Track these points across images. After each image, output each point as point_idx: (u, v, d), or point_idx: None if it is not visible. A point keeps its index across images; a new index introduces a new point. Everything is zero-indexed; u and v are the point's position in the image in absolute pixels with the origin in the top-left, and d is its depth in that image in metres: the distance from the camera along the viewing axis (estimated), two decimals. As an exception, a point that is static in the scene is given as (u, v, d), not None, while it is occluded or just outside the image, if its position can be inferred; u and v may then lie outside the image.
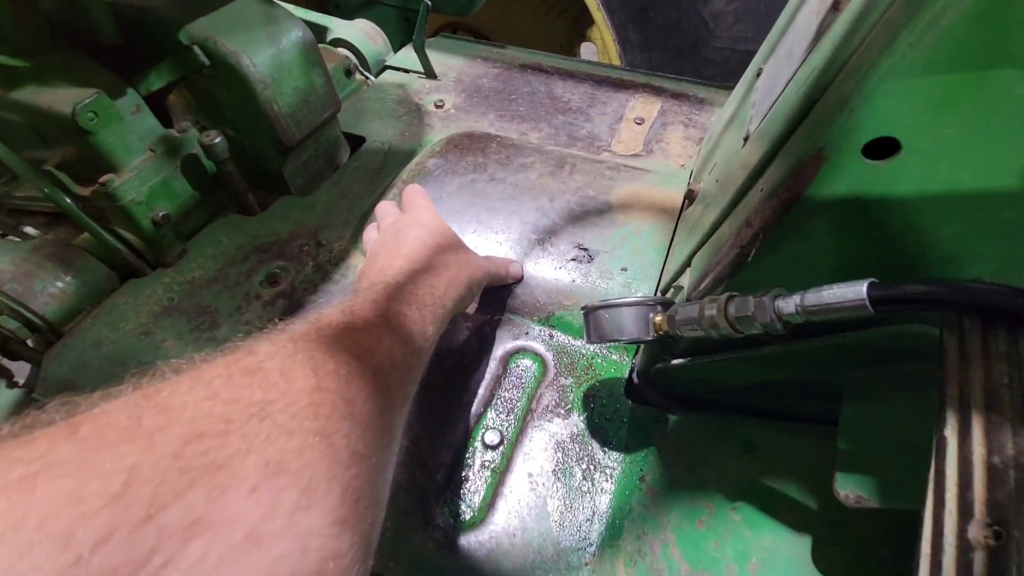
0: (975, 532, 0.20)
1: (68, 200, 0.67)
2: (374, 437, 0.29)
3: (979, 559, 0.20)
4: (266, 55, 0.72)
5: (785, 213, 0.34)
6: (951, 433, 0.24)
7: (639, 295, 0.56)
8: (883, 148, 0.30)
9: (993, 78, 0.25)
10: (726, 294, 0.38)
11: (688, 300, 0.43)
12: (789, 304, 0.34)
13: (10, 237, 0.79)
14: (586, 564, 0.46)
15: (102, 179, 0.68)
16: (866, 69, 0.29)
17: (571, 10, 1.50)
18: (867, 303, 0.29)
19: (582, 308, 0.48)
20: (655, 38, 1.18)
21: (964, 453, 0.23)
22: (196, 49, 0.68)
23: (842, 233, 0.33)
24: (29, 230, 0.83)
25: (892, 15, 0.28)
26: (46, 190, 0.66)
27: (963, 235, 0.31)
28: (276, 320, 0.58)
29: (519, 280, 0.65)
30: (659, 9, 1.14)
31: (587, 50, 1.65)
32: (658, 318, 0.44)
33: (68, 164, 0.69)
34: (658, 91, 1.02)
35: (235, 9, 0.73)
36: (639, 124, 0.95)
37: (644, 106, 0.98)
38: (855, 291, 0.30)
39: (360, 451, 0.27)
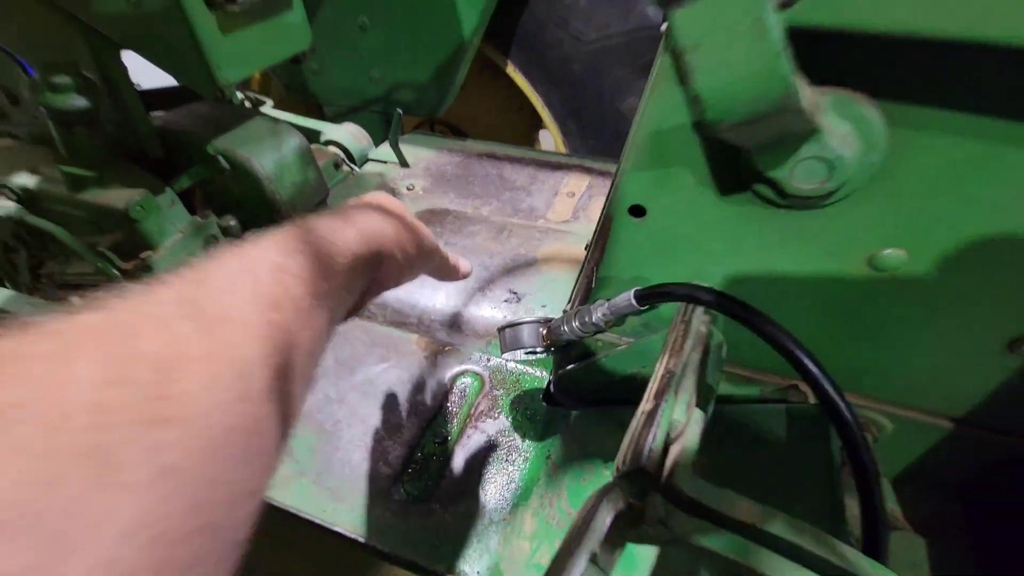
0: (646, 405, 0.38)
1: (115, 271, 0.87)
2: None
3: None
4: (271, 159, 0.95)
5: (600, 256, 0.55)
6: (664, 359, 0.42)
7: (533, 317, 0.72)
8: (639, 210, 0.51)
9: (671, 171, 0.47)
10: (576, 308, 0.58)
11: (562, 316, 0.63)
12: (598, 311, 0.53)
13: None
14: (504, 519, 0.62)
15: (142, 255, 0.89)
16: (622, 167, 0.50)
17: (527, 106, 1.79)
18: (633, 302, 0.49)
19: (497, 328, 0.67)
20: (588, 129, 1.45)
21: (665, 368, 0.41)
22: (220, 158, 0.91)
23: (630, 264, 0.54)
24: (75, 300, 1.03)
25: (631, 140, 0.50)
26: (99, 264, 0.86)
27: (696, 258, 0.51)
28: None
29: (467, 275, 0.61)
30: (587, 107, 1.43)
31: (545, 135, 1.94)
32: (543, 331, 0.63)
33: (115, 246, 0.90)
34: (588, 170, 1.26)
35: (248, 127, 0.97)
36: (571, 197, 1.18)
37: (576, 182, 1.22)
38: (626, 296, 0.49)
39: None
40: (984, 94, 0.35)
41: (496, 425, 0.73)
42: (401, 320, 0.89)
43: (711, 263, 0.50)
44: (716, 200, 0.47)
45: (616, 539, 0.34)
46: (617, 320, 0.53)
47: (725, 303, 0.43)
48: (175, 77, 0.78)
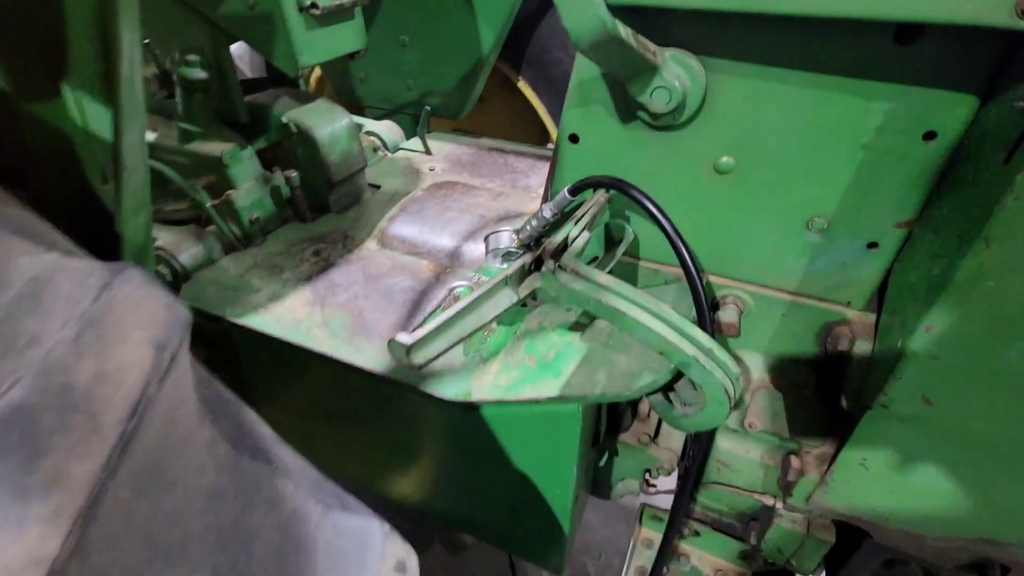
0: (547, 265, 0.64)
1: (208, 204, 1.17)
2: None
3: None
4: (327, 130, 1.25)
5: (552, 175, 0.81)
6: (579, 213, 0.68)
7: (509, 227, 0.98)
8: (575, 138, 0.77)
9: (592, 108, 0.73)
10: (534, 212, 0.84)
11: (526, 221, 0.88)
12: (547, 210, 0.79)
13: (159, 232, 1.28)
14: (476, 366, 0.86)
15: (226, 194, 1.18)
16: (564, 107, 0.77)
17: (537, 120, 2.10)
18: (567, 194, 0.75)
19: (484, 237, 0.93)
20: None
21: (577, 216, 0.67)
22: (291, 124, 1.21)
23: (571, 178, 0.80)
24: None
25: (569, 87, 0.77)
26: (197, 198, 1.16)
27: (613, 170, 0.77)
28: (315, 272, 1.05)
29: None
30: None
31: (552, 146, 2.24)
32: (515, 235, 0.89)
33: (208, 186, 1.20)
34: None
35: (312, 106, 1.28)
36: (560, 180, 1.45)
37: (566, 170, 1.50)
38: (563, 193, 0.75)
39: None
40: (756, 49, 0.61)
41: (480, 316, 0.98)
42: (415, 251, 1.16)
43: (621, 173, 0.76)
44: (620, 127, 0.73)
45: (524, 279, 0.59)
46: (559, 211, 0.78)
47: (617, 184, 0.69)
48: (269, 59, 1.09)
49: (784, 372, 0.84)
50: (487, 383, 0.82)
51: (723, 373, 0.58)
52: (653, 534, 1.12)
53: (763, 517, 0.91)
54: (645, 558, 1.12)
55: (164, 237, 1.16)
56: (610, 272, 0.70)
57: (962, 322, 0.56)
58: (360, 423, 1.02)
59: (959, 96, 0.56)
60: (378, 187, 1.45)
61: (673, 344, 0.56)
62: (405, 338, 0.53)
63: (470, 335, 0.58)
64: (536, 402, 0.73)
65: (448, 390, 0.82)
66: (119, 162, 0.62)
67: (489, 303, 0.58)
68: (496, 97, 2.20)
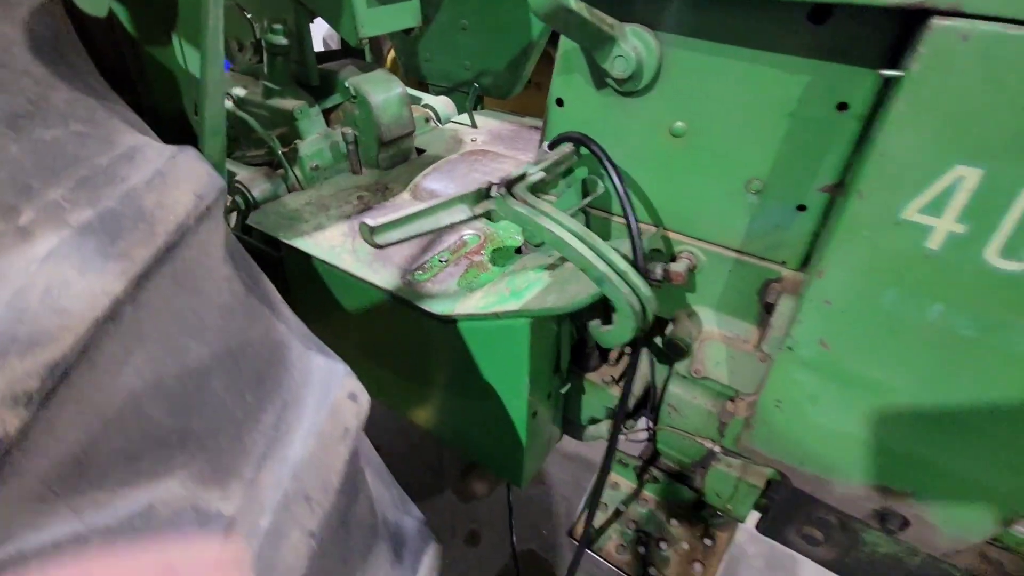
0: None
1: (279, 150, 1.41)
2: None
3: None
4: (381, 97, 1.46)
5: (543, 135, 0.95)
6: (544, 160, 0.82)
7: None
8: (560, 102, 0.91)
9: (573, 76, 0.86)
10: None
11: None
12: (534, 160, 0.92)
13: (241, 173, 1.55)
14: (466, 293, 1.02)
15: (293, 143, 1.42)
16: (553, 74, 0.90)
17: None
18: (545, 147, 0.88)
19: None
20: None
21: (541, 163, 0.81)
22: (352, 89, 1.43)
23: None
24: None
25: (556, 58, 0.90)
26: (272, 145, 1.40)
27: (588, 130, 0.89)
28: (354, 212, 1.25)
29: None
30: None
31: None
32: (510, 187, 1.03)
33: (280, 136, 1.44)
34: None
35: (371, 75, 1.49)
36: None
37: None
38: (543, 147, 0.89)
39: None
40: (701, 26, 0.72)
41: (479, 259, 1.14)
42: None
43: (596, 134, 0.88)
44: (595, 92, 0.86)
45: (482, 198, 0.74)
46: (539, 162, 0.92)
47: (582, 139, 0.82)
48: (336, 29, 1.30)
49: (731, 325, 0.93)
50: (468, 305, 0.98)
51: (631, 292, 0.69)
52: (618, 477, 1.23)
53: (706, 461, 1.00)
54: (607, 497, 1.23)
55: (243, 174, 1.42)
56: (574, 216, 0.83)
57: (846, 269, 0.64)
58: (372, 334, 1.21)
59: (865, 71, 0.64)
60: (423, 151, 1.64)
61: (590, 262, 0.69)
62: (371, 221, 0.69)
63: (424, 233, 0.73)
64: (496, 316, 0.87)
65: (436, 307, 0.99)
66: (202, 94, 0.84)
67: (443, 212, 0.73)
68: (547, 81, 2.34)
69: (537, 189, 0.79)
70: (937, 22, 0.50)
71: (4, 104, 0.51)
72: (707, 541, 1.12)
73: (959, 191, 0.54)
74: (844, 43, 0.64)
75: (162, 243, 0.52)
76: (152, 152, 0.59)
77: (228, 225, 0.67)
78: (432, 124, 1.83)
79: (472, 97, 1.77)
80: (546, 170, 0.80)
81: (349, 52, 1.79)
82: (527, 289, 0.92)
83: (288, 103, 1.41)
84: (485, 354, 0.95)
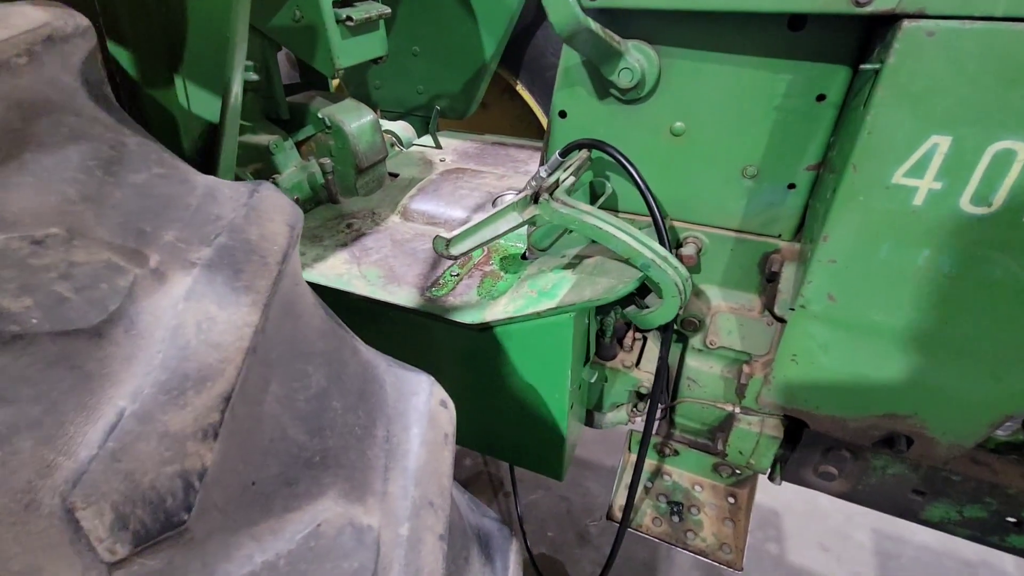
0: (551, 170, 0.85)
1: (256, 185, 1.38)
2: None
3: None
4: (355, 124, 1.47)
5: (546, 147, 1.02)
6: (565, 166, 0.89)
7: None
8: (564, 114, 0.99)
9: (576, 88, 0.95)
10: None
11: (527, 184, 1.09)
12: (542, 170, 1.00)
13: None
14: (489, 303, 1.07)
15: (272, 177, 1.40)
16: (555, 88, 0.98)
17: (536, 122, 2.33)
18: (558, 156, 0.96)
19: (491, 202, 1.14)
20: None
21: (566, 165, 0.88)
22: (326, 119, 1.43)
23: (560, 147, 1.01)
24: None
25: (559, 71, 0.98)
26: (248, 181, 1.37)
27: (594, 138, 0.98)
28: (350, 240, 1.26)
29: None
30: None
31: (548, 146, 2.47)
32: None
33: (256, 172, 1.42)
34: (570, 152, 1.75)
35: (342, 104, 1.50)
36: (555, 166, 1.67)
37: (560, 159, 1.71)
38: (555, 156, 0.97)
39: None
40: (695, 39, 0.83)
41: (490, 268, 1.19)
42: (433, 221, 1.37)
43: (599, 139, 0.97)
44: (598, 103, 0.95)
45: (528, 204, 0.80)
46: (552, 171, 0.99)
47: (596, 143, 0.90)
48: (310, 63, 1.31)
49: (736, 298, 1.04)
50: (498, 311, 1.02)
51: (675, 272, 0.78)
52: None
53: (726, 424, 1.10)
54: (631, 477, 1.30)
55: (221, 214, 1.37)
56: (593, 215, 0.91)
57: (846, 231, 0.76)
58: (393, 354, 1.22)
59: (838, 67, 0.78)
60: (396, 175, 1.67)
61: (636, 250, 0.77)
62: (446, 235, 0.73)
63: (487, 241, 0.78)
64: (537, 315, 0.93)
65: (466, 318, 1.03)
66: (221, 133, 0.83)
67: (501, 220, 0.79)
68: (498, 102, 2.43)
69: (569, 193, 0.86)
70: (907, 23, 0.63)
71: (93, 151, 0.51)
72: (730, 499, 1.23)
73: (935, 156, 0.67)
74: (819, 45, 0.77)
75: (276, 272, 0.54)
76: (228, 189, 0.60)
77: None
78: (397, 148, 1.86)
79: (434, 119, 1.82)
80: (574, 175, 0.87)
81: (309, 83, 1.78)
82: (556, 288, 0.98)
83: (261, 138, 1.39)
84: (525, 354, 1.00)
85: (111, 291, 0.42)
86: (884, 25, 0.69)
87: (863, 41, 0.75)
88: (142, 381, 0.40)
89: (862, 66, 0.69)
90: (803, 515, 2.21)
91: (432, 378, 0.72)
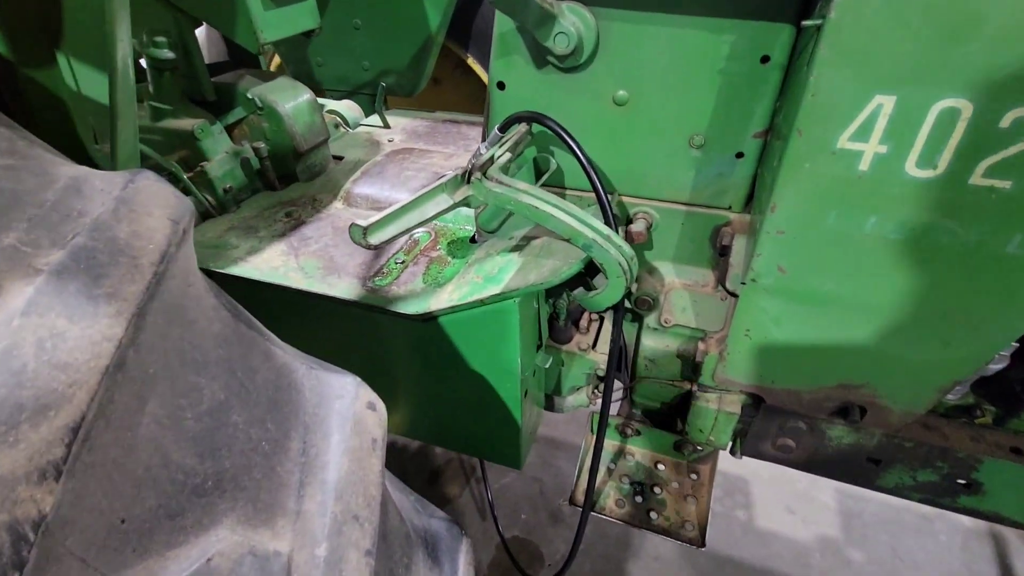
0: (486, 148, 0.79)
1: (184, 176, 1.28)
2: None
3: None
4: (291, 104, 1.37)
5: (487, 120, 0.96)
6: (502, 142, 0.83)
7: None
8: (502, 85, 0.92)
9: (512, 57, 0.88)
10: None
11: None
12: (482, 146, 0.93)
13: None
14: (434, 290, 1.01)
15: (200, 164, 1.30)
16: (491, 58, 0.91)
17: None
18: (497, 131, 0.90)
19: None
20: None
21: (502, 143, 0.82)
22: (257, 100, 1.33)
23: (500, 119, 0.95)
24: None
25: (493, 40, 0.91)
26: (172, 170, 1.27)
27: (532, 108, 0.92)
28: (288, 229, 1.17)
29: None
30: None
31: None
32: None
33: (181, 160, 1.31)
34: (524, 127, 1.68)
35: (275, 83, 1.40)
36: (508, 143, 1.60)
37: (513, 135, 1.64)
38: (495, 131, 0.90)
39: None
40: (625, 1, 0.77)
41: (436, 254, 1.13)
42: (377, 206, 1.30)
43: (540, 111, 0.91)
44: (536, 72, 0.88)
45: (460, 185, 0.74)
46: (492, 145, 0.93)
47: (536, 116, 0.84)
48: (232, 38, 1.20)
49: (689, 273, 1.01)
50: (443, 299, 0.97)
51: (618, 252, 0.74)
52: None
53: (685, 402, 1.08)
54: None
55: (145, 207, 1.27)
56: (535, 193, 0.85)
57: (793, 200, 0.73)
58: (338, 350, 1.15)
59: (781, 25, 0.73)
60: (341, 158, 1.57)
61: (577, 230, 0.72)
62: (361, 222, 0.67)
63: (413, 227, 0.72)
64: (482, 303, 0.88)
65: (410, 308, 0.97)
66: (114, 116, 0.74)
67: (429, 203, 0.73)
68: (450, 77, 2.33)
69: (505, 171, 0.80)
70: (848, -26, 0.59)
71: (-89, 144, 0.43)
72: (692, 476, 1.22)
73: (880, 117, 0.64)
74: (762, 2, 0.72)
75: (150, 276, 0.47)
76: (99, 181, 0.52)
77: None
78: (343, 130, 1.76)
79: (380, 97, 1.72)
80: (511, 151, 0.81)
81: (239, 62, 1.66)
82: (501, 272, 0.93)
83: (185, 123, 1.28)
84: (472, 343, 0.95)
85: (-83, 311, 0.35)
86: (827, -23, 0.64)
87: (806, -4, 0.70)
88: (-40, 417, 0.34)
89: (804, 23, 0.65)
90: (769, 480, 2.26)
91: (358, 379, 0.66)
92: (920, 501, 1.03)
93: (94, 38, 0.74)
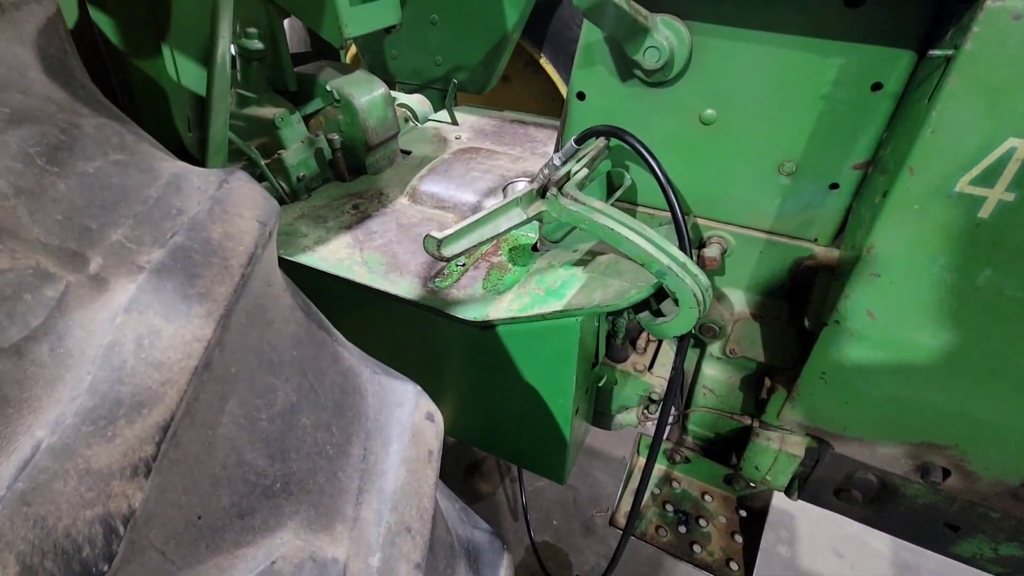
0: (562, 162, 0.77)
1: (262, 162, 1.33)
2: None
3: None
4: (366, 98, 1.40)
5: (562, 129, 0.94)
6: (579, 157, 0.81)
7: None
8: (582, 95, 0.90)
9: (596, 68, 0.85)
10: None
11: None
12: (556, 157, 0.91)
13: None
14: (494, 297, 1.00)
15: (277, 153, 1.34)
16: (573, 68, 0.89)
17: (559, 96, 2.21)
18: (572, 143, 0.87)
19: (502, 188, 1.06)
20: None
21: (579, 159, 0.80)
22: (335, 92, 1.36)
23: (578, 130, 0.92)
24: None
25: (578, 50, 0.89)
26: (253, 156, 1.32)
27: (614, 123, 0.89)
28: (354, 222, 1.20)
29: None
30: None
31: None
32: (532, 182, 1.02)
33: (260, 146, 1.36)
34: (592, 133, 1.65)
35: (352, 76, 1.43)
36: (576, 148, 1.57)
37: (581, 140, 1.61)
38: (570, 143, 0.88)
39: None
40: (732, 14, 0.73)
41: (497, 259, 1.12)
42: (442, 205, 1.30)
43: (619, 125, 0.88)
44: (620, 85, 0.85)
45: (535, 200, 0.72)
46: (568, 159, 0.91)
47: (614, 131, 0.81)
48: (318, 31, 1.24)
49: (762, 305, 0.96)
50: (502, 308, 0.96)
51: (693, 282, 0.70)
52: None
53: (742, 437, 1.03)
54: (638, 482, 1.25)
55: (225, 190, 1.33)
56: (608, 210, 0.83)
57: (896, 241, 0.67)
58: (393, 347, 1.17)
59: (900, 52, 0.67)
60: (409, 152, 1.59)
61: (651, 255, 0.69)
62: (437, 234, 0.67)
63: (486, 241, 0.71)
64: (543, 317, 0.86)
65: (469, 314, 0.97)
66: (209, 108, 0.77)
67: (503, 217, 0.72)
68: (520, 76, 2.32)
69: (581, 187, 0.78)
70: (990, 3, 0.53)
71: (38, 136, 0.45)
72: (741, 512, 1.16)
73: (1011, 162, 0.57)
74: (880, 25, 0.66)
75: (239, 278, 0.48)
76: (197, 179, 0.54)
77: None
78: (411, 124, 1.78)
79: (451, 93, 1.73)
80: (587, 166, 0.79)
81: (320, 52, 1.70)
82: (564, 287, 0.91)
83: (267, 111, 1.33)
84: (528, 356, 0.94)
85: (36, 303, 0.37)
86: (961, 4, 0.58)
87: (933, 22, 0.64)
88: (66, 408, 0.36)
89: (930, 52, 0.59)
90: (818, 519, 2.14)
91: (419, 388, 0.66)
92: None
93: (197, 32, 0.77)
